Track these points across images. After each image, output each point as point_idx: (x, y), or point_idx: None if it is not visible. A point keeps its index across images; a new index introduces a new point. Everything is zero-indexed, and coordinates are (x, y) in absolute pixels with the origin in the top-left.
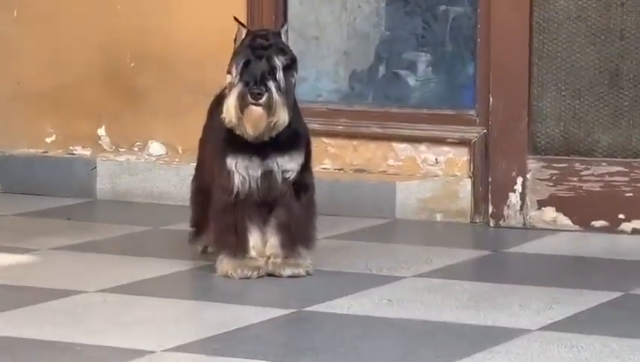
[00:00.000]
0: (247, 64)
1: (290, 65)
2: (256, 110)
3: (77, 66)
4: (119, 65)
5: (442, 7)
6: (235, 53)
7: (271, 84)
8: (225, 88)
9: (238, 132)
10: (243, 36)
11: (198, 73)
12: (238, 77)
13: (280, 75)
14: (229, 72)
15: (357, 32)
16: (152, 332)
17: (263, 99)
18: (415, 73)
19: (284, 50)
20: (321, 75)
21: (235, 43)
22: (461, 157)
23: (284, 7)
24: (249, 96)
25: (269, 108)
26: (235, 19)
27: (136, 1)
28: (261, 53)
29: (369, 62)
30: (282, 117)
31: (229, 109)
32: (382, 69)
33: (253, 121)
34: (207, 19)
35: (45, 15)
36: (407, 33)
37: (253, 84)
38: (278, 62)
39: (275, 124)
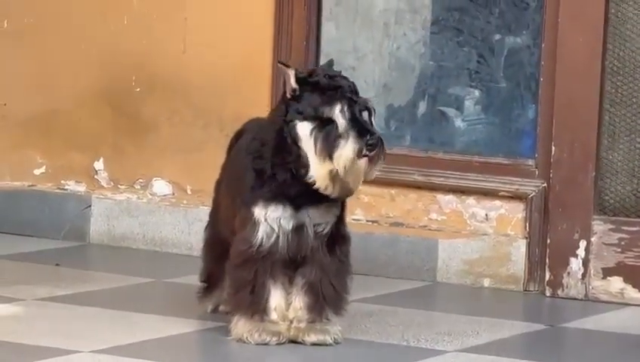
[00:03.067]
0: (351, 113)
1: None
2: (362, 163)
3: (73, 88)
4: (122, 90)
5: (500, 38)
6: (318, 95)
7: (376, 132)
8: (246, 124)
9: (322, 189)
10: (292, 80)
11: (215, 104)
12: (348, 124)
13: (375, 119)
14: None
15: (400, 63)
16: None
17: (374, 152)
18: (464, 113)
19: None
20: None
21: (284, 87)
22: (516, 213)
23: (317, 32)
24: (365, 148)
25: (377, 159)
26: (280, 62)
27: (147, 15)
28: (355, 99)
29: (411, 97)
30: (374, 173)
31: (347, 159)
32: (426, 107)
33: (357, 175)
34: (227, 42)
35: (39, 27)
36: (457, 66)
37: (369, 135)
38: (373, 110)
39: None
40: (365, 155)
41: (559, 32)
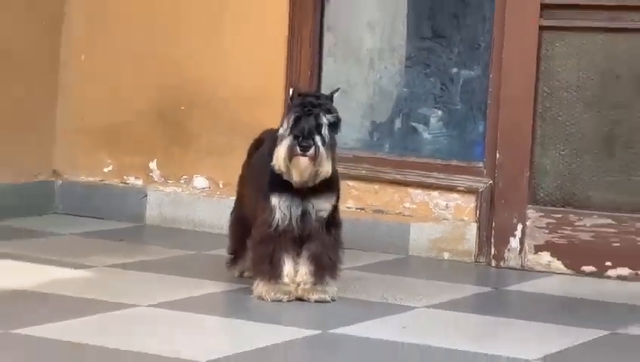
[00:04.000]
0: (297, 120)
1: (335, 124)
2: (303, 160)
3: (134, 106)
4: (171, 108)
5: (457, 71)
6: (288, 109)
7: (317, 139)
8: (263, 133)
9: (285, 177)
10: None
11: (240, 118)
12: (288, 130)
13: (325, 131)
14: (281, 125)
15: (381, 90)
16: (195, 345)
17: (310, 152)
18: (430, 128)
19: (330, 110)
20: (348, 125)
21: (290, 101)
22: (469, 204)
23: (319, 65)
24: (297, 148)
25: (315, 159)
26: (293, 89)
27: (190, 52)
28: (310, 111)
29: (390, 116)
30: (325, 168)
31: (279, 158)
32: (401, 123)
33: (300, 170)
34: (248, 74)
35: (109, 60)
36: (425, 92)
37: (302, 138)
38: (325, 119)
39: (318, 173)
40: (300, 154)
41: (503, 67)
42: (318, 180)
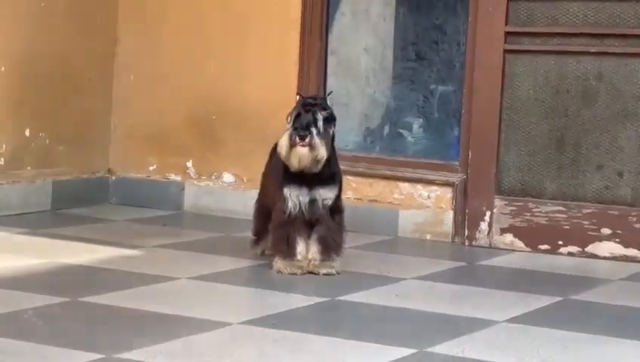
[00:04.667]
0: (298, 115)
1: (329, 119)
2: (301, 148)
3: (174, 116)
4: (204, 117)
5: (436, 87)
6: (292, 109)
7: (313, 130)
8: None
9: (287, 164)
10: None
11: (262, 125)
12: (290, 123)
13: (320, 124)
14: (287, 120)
15: (374, 102)
16: (228, 310)
17: (307, 140)
18: (413, 133)
19: (325, 107)
20: (348, 130)
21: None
22: (446, 194)
23: (325, 81)
24: (296, 138)
25: (311, 146)
26: (298, 93)
27: (220, 71)
28: (308, 109)
29: (380, 122)
30: (321, 153)
31: (281, 146)
32: (389, 129)
33: (298, 157)
34: (268, 89)
35: (154, 78)
36: (410, 104)
37: (300, 129)
38: (320, 115)
39: (316, 158)
40: (298, 143)
41: (474, 83)
42: (318, 166)
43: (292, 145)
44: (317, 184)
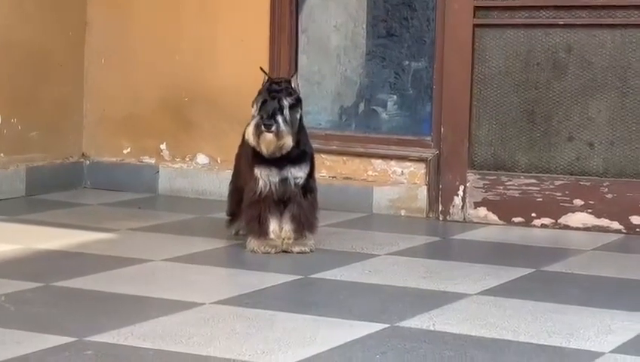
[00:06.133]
0: (264, 103)
1: (296, 104)
2: (268, 136)
3: (146, 100)
4: (177, 100)
5: (408, 63)
6: (258, 94)
7: (279, 118)
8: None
9: (257, 150)
10: (265, 81)
11: (234, 106)
12: (257, 111)
13: (286, 111)
14: (252, 106)
15: (347, 80)
16: (201, 290)
17: (273, 128)
18: (387, 109)
19: (291, 92)
20: (320, 109)
21: (262, 85)
22: (420, 170)
23: (296, 60)
24: (263, 126)
25: (277, 135)
26: (261, 69)
27: (190, 55)
28: (274, 95)
29: (355, 101)
30: (287, 141)
31: (249, 134)
32: (364, 106)
33: (266, 144)
34: (241, 69)
35: (124, 62)
36: (382, 81)
37: (266, 118)
38: (286, 102)
39: (282, 146)
40: (265, 131)
41: (445, 58)
42: (283, 151)
43: (259, 133)
44: (287, 163)
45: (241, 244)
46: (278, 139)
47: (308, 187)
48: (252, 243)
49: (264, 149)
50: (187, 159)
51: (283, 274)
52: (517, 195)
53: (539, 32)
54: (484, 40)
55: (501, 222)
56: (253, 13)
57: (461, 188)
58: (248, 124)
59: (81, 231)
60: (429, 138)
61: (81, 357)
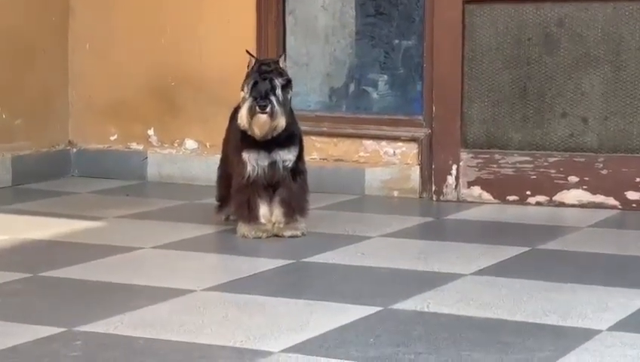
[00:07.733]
0: (255, 84)
1: (287, 85)
2: (262, 117)
3: (132, 85)
4: (164, 84)
5: (398, 42)
6: (247, 76)
7: (272, 98)
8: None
9: (249, 133)
10: (253, 64)
11: (222, 90)
12: (248, 93)
13: (279, 91)
14: (242, 90)
15: (336, 60)
16: (192, 277)
17: (267, 109)
18: (378, 89)
19: (281, 73)
20: (310, 90)
21: (248, 68)
22: (412, 150)
23: (284, 42)
24: (257, 108)
25: (272, 115)
26: (247, 52)
27: (175, 39)
28: (265, 76)
29: (345, 81)
30: (281, 122)
31: (242, 117)
32: (354, 87)
33: (260, 125)
34: (227, 52)
35: (109, 48)
36: (372, 60)
37: (260, 99)
38: (278, 82)
39: (275, 127)
40: (259, 112)
41: (434, 37)
42: (275, 133)
43: (252, 114)
44: (276, 146)
45: (232, 230)
46: (272, 120)
47: (297, 170)
48: (242, 228)
49: (257, 131)
50: (175, 144)
51: (274, 259)
52: (511, 173)
53: (529, 7)
54: (474, 16)
55: (495, 200)
56: None
57: (454, 167)
58: (238, 107)
59: (69, 219)
60: (420, 117)
61: (70, 347)
